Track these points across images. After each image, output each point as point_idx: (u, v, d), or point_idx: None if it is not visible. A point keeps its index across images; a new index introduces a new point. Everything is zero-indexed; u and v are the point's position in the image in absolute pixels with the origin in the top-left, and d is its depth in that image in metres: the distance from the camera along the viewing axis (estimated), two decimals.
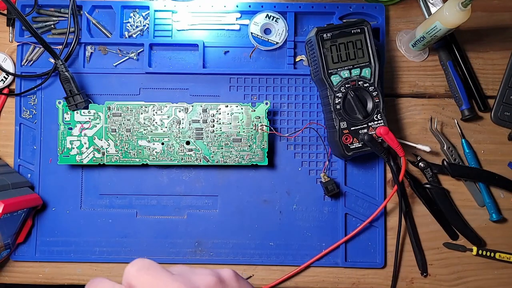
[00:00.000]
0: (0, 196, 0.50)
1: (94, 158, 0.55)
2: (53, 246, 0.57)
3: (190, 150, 0.55)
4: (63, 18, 0.58)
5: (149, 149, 0.55)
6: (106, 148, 0.55)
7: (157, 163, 0.55)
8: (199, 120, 0.55)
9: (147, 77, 0.58)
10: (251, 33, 0.58)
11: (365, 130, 0.53)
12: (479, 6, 0.59)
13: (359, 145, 0.53)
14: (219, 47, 0.58)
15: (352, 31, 0.53)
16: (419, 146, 0.57)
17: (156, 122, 0.55)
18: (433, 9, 0.59)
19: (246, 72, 0.58)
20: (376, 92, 0.53)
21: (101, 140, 0.55)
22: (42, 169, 0.57)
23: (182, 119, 0.55)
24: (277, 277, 0.57)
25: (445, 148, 0.58)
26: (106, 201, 0.57)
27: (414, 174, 0.58)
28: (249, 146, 0.55)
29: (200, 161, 0.55)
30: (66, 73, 0.54)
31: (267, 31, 0.58)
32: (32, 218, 0.56)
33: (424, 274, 0.57)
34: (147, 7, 0.58)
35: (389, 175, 0.58)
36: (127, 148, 0.55)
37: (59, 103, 0.55)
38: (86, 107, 0.55)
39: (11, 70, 0.58)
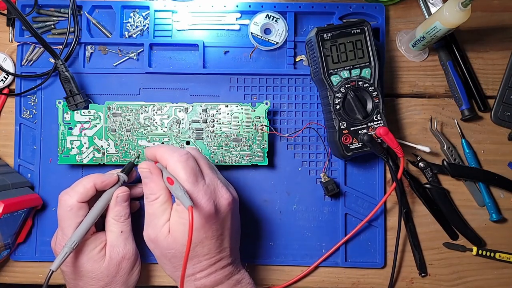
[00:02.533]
0: (0, 196, 0.50)
1: (94, 158, 0.55)
2: None
3: None
4: (63, 18, 0.58)
5: None
6: (106, 148, 0.55)
7: None
8: (199, 120, 0.55)
9: (147, 77, 0.58)
10: (251, 33, 0.58)
11: (365, 131, 0.53)
12: (479, 6, 0.59)
13: (358, 145, 0.53)
14: (219, 47, 0.58)
15: (352, 31, 0.53)
16: (418, 147, 0.57)
17: (156, 122, 0.55)
18: (433, 9, 0.59)
19: (246, 72, 0.58)
20: (376, 93, 0.53)
21: (101, 140, 0.55)
22: (42, 169, 0.57)
23: (182, 119, 0.55)
24: (277, 277, 0.57)
25: (445, 148, 0.58)
26: None
27: (414, 174, 0.58)
28: (249, 146, 0.55)
29: None
30: (66, 73, 0.54)
31: (267, 31, 0.58)
32: (32, 218, 0.56)
33: (423, 274, 0.57)
34: (147, 7, 0.58)
35: (389, 175, 0.58)
36: (127, 148, 0.55)
37: (59, 103, 0.55)
38: (86, 107, 0.55)
39: (11, 70, 0.58)
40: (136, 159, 0.54)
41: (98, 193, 0.49)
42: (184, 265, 0.40)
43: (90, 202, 0.49)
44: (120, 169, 0.52)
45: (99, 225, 0.52)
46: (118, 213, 0.49)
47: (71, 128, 0.55)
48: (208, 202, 0.44)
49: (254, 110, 0.55)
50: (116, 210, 0.49)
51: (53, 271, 0.44)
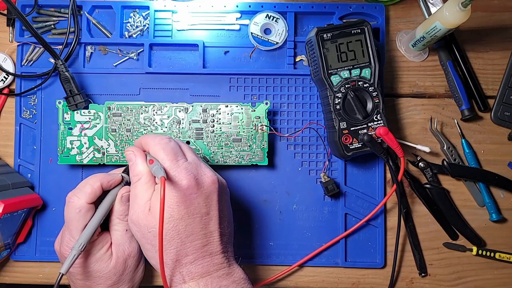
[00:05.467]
0: (0, 196, 0.50)
1: (94, 158, 0.55)
2: (53, 246, 0.56)
3: None
4: (63, 18, 0.58)
5: None
6: (106, 148, 0.55)
7: None
8: (199, 120, 0.55)
9: (147, 77, 0.58)
10: (251, 33, 0.58)
11: (365, 131, 0.53)
12: (479, 6, 0.59)
13: (358, 146, 0.53)
14: (219, 47, 0.58)
15: (352, 31, 0.53)
16: (418, 147, 0.57)
17: (156, 122, 0.55)
18: (433, 9, 0.59)
19: (246, 72, 0.58)
20: (376, 93, 0.53)
21: (101, 140, 0.55)
22: (42, 169, 0.57)
23: (182, 119, 0.55)
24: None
25: (445, 148, 0.58)
26: None
27: (414, 174, 0.58)
28: (249, 146, 0.55)
29: None
30: (66, 73, 0.54)
31: (267, 31, 0.58)
32: (32, 218, 0.56)
33: (422, 274, 0.57)
34: (147, 7, 0.58)
35: (389, 175, 0.58)
36: None
37: (59, 103, 0.55)
38: (86, 107, 0.55)
39: (11, 70, 0.58)
40: None
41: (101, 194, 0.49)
42: (161, 231, 0.40)
43: (95, 203, 0.49)
44: (119, 169, 0.52)
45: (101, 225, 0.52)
46: (123, 212, 0.49)
47: (71, 128, 0.55)
48: (187, 176, 0.44)
49: (254, 110, 0.55)
50: (121, 210, 0.49)
51: (63, 274, 0.44)
